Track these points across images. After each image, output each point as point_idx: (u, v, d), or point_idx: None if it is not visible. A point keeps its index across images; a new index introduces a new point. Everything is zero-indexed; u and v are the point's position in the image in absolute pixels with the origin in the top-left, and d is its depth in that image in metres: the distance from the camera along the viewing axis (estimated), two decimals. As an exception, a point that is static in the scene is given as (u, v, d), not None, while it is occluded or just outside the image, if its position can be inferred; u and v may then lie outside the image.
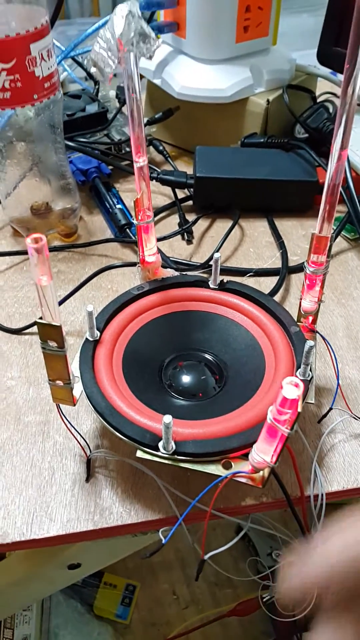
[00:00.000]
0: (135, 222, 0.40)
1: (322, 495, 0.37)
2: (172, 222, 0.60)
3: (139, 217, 0.40)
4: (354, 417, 0.40)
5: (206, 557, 0.34)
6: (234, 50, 0.61)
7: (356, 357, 0.46)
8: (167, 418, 0.31)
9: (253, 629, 0.85)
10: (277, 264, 0.53)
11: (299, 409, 0.27)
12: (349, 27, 0.68)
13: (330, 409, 0.41)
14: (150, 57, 0.31)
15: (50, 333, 0.30)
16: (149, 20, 0.65)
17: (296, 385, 0.27)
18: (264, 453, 0.30)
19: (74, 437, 0.38)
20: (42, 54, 0.44)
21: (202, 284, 0.43)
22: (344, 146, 0.31)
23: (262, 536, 0.91)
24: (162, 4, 0.60)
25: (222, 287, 0.43)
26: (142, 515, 0.36)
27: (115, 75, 0.68)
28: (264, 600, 0.51)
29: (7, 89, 0.44)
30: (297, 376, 0.36)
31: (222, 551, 0.35)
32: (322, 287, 0.39)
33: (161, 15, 0.62)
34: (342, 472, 0.38)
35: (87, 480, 0.38)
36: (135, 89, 0.34)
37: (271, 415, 0.28)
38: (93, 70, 0.33)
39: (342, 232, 0.57)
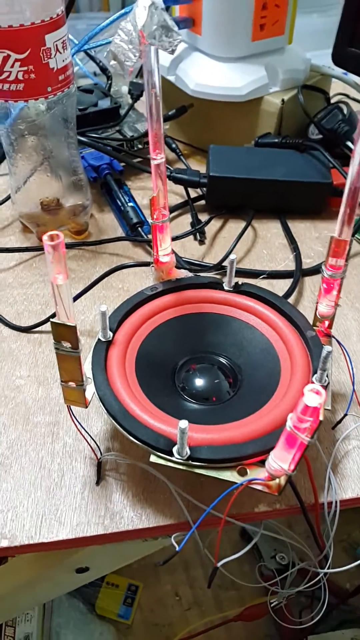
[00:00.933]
0: (150, 221, 0.39)
1: (336, 502, 0.36)
2: (184, 222, 0.59)
3: (155, 216, 0.39)
4: (370, 424, 0.40)
5: (219, 564, 0.33)
6: (249, 49, 0.60)
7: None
8: (183, 423, 0.30)
9: (257, 632, 0.85)
10: (291, 266, 0.53)
11: (321, 417, 0.26)
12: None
13: (345, 415, 0.40)
14: (173, 52, 0.31)
15: (64, 333, 0.30)
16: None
17: (318, 393, 0.26)
18: (281, 460, 0.30)
19: (85, 439, 0.38)
20: (57, 45, 0.44)
21: (217, 285, 0.42)
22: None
23: (267, 539, 0.90)
24: (178, -1, 0.59)
25: (237, 289, 0.42)
26: (154, 521, 0.36)
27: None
28: (272, 605, 0.51)
29: (21, 81, 0.44)
30: (313, 382, 0.35)
31: (225, 551, 0.34)
32: (339, 291, 0.38)
33: (176, 11, 0.61)
34: (357, 479, 0.38)
35: (98, 483, 0.37)
36: (156, 84, 0.33)
37: (291, 423, 0.27)
38: (113, 63, 0.32)
39: (357, 236, 0.56)
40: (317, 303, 0.39)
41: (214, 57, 0.61)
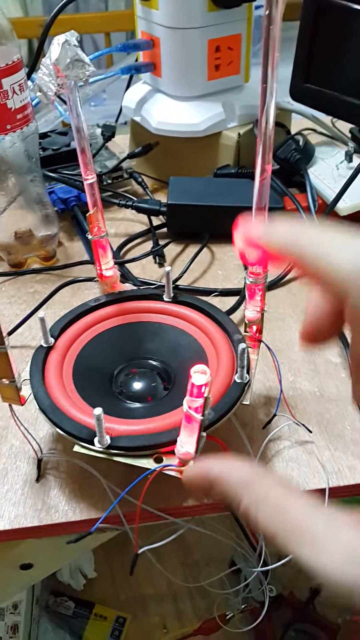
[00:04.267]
0: (89, 236, 0.43)
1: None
2: (147, 248, 0.63)
3: (94, 232, 0.43)
4: (296, 423, 0.41)
5: (140, 551, 0.35)
6: (206, 88, 0.65)
7: (309, 369, 0.47)
8: (97, 410, 0.32)
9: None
10: (242, 284, 0.55)
11: (206, 394, 0.29)
12: (318, 64, 0.71)
13: (274, 415, 0.42)
14: (86, 81, 0.35)
15: (-11, 330, 0.33)
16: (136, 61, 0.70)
17: (203, 372, 0.28)
18: (187, 444, 0.32)
19: (25, 437, 0.40)
20: (14, 88, 0.49)
21: (157, 297, 0.45)
22: (263, 170, 0.34)
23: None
24: (139, 46, 0.64)
25: (175, 300, 0.45)
26: (86, 514, 0.38)
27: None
28: (227, 617, 0.51)
29: (-20, 120, 0.48)
30: (235, 380, 0.38)
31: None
32: (263, 297, 0.40)
33: (140, 57, 0.67)
34: (285, 478, 0.39)
35: (38, 480, 0.40)
36: (79, 112, 0.37)
37: (186, 404, 0.30)
38: (38, 94, 0.36)
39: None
40: (244, 310, 0.42)
41: (174, 97, 0.66)
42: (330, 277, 0.21)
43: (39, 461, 0.40)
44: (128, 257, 0.61)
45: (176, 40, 0.62)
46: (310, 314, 0.26)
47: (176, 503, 0.38)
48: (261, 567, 0.40)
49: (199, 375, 0.28)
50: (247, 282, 0.40)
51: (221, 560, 0.89)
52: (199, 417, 0.29)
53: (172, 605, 0.92)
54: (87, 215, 0.42)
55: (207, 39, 0.62)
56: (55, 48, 0.33)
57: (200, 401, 0.29)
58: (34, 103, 0.56)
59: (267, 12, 0.28)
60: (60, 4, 0.64)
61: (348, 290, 0.20)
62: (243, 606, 0.56)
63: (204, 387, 0.28)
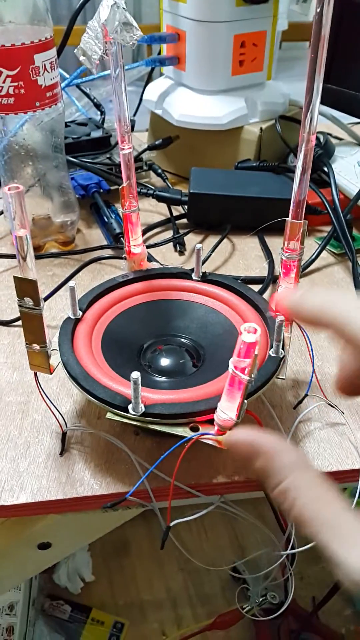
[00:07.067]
0: (121, 210, 0.42)
1: (294, 476, 0.37)
2: (167, 238, 0.62)
3: (125, 206, 0.42)
4: (329, 404, 0.41)
5: (172, 523, 0.34)
6: (229, 83, 0.65)
7: (336, 355, 0.46)
8: (135, 374, 0.31)
9: (235, 638, 0.82)
10: (265, 273, 0.55)
11: (256, 352, 0.28)
12: (338, 64, 0.72)
13: (306, 395, 0.41)
14: (133, 45, 0.34)
15: (26, 288, 0.32)
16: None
17: (253, 331, 0.28)
18: (228, 410, 0.31)
19: (50, 409, 0.39)
20: (45, 65, 0.48)
21: (185, 275, 0.44)
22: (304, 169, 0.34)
23: (258, 580, 0.88)
24: (164, 38, 0.65)
25: (205, 278, 0.44)
26: (113, 488, 0.36)
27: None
28: (245, 610, 0.50)
29: (11, 95, 0.48)
30: (270, 354, 0.37)
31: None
32: (297, 273, 0.40)
33: (164, 50, 0.67)
34: (317, 457, 0.38)
35: (62, 454, 0.38)
36: (120, 77, 0.37)
37: (232, 365, 0.29)
38: (82, 58, 0.36)
39: (330, 248, 0.58)
40: (277, 286, 0.41)
41: (197, 91, 0.66)
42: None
43: (64, 434, 0.39)
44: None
45: (202, 34, 0.62)
46: (341, 370, 0.30)
47: (206, 479, 0.37)
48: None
49: (249, 333, 0.27)
50: (283, 257, 0.39)
51: (222, 566, 0.88)
52: (245, 378, 0.28)
53: (171, 611, 0.90)
54: (120, 187, 0.41)
55: (233, 34, 0.62)
56: (104, 9, 0.33)
57: (248, 362, 0.28)
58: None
59: (318, 10, 0.29)
60: (76, 9, 0.64)
61: None
62: (261, 599, 0.54)
63: (255, 345, 0.28)
